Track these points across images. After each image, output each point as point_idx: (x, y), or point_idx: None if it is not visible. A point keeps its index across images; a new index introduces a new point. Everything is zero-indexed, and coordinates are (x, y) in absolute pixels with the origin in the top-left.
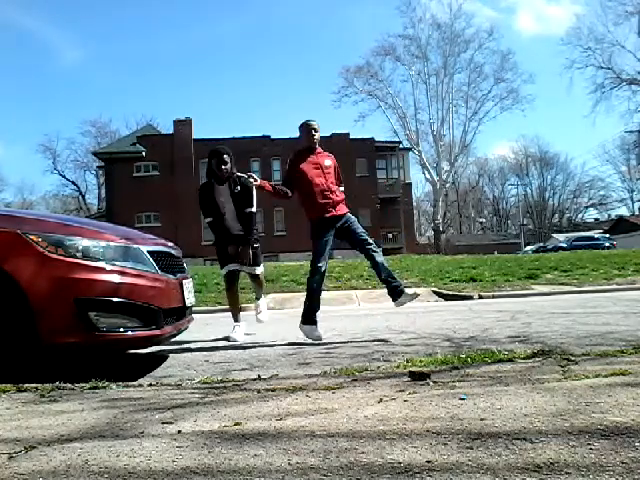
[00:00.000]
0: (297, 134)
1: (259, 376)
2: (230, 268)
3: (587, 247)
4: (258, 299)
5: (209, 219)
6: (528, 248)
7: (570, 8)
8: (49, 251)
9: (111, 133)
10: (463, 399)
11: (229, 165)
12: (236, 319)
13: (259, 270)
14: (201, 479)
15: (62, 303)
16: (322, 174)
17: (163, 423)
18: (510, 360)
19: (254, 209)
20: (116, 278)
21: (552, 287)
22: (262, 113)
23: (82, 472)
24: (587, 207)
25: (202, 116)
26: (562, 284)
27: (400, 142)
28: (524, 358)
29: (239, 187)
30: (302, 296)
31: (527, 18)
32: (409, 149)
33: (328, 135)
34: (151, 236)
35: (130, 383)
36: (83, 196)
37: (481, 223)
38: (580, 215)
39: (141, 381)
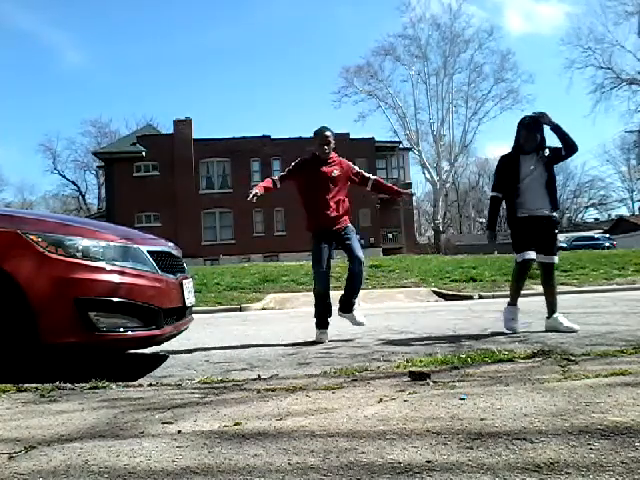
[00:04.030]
0: (297, 134)
1: (259, 376)
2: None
3: (587, 247)
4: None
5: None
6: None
7: (560, 7)
8: (49, 251)
9: (111, 133)
10: (463, 399)
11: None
12: (516, 302)
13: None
14: (201, 479)
15: (62, 303)
16: (326, 187)
17: (163, 423)
18: (510, 360)
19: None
20: (116, 278)
21: None
22: (262, 113)
23: (82, 472)
24: (587, 207)
25: (202, 116)
26: (562, 284)
27: (400, 142)
28: (524, 358)
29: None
30: (302, 296)
31: (515, 17)
32: (409, 149)
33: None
34: (151, 236)
35: (130, 383)
36: (83, 196)
37: (481, 223)
38: (580, 215)
39: (141, 381)
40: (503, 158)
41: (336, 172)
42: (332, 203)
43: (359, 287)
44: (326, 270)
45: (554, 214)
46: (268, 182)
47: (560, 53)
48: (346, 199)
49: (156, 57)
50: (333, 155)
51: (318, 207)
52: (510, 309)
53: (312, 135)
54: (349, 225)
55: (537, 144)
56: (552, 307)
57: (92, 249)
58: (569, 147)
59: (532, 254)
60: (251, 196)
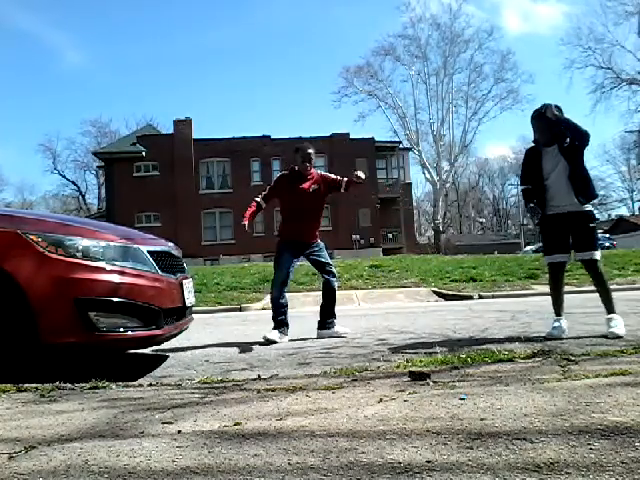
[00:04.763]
0: (297, 134)
1: (259, 376)
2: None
3: None
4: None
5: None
6: (528, 248)
7: (558, 7)
8: (49, 251)
9: (111, 133)
10: (463, 399)
11: None
12: (560, 310)
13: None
14: (201, 479)
15: (62, 303)
16: (305, 202)
17: (163, 423)
18: (510, 360)
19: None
20: (116, 278)
21: None
22: (262, 113)
23: (82, 472)
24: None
25: (202, 116)
26: None
27: (400, 142)
28: (524, 358)
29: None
30: (302, 296)
31: (513, 17)
32: (409, 149)
33: (328, 135)
34: (151, 236)
35: (130, 383)
36: (83, 196)
37: (481, 223)
38: None
39: (141, 381)
40: (527, 151)
41: (314, 187)
42: (308, 218)
43: (335, 299)
44: (285, 279)
45: (585, 208)
46: (253, 206)
47: (560, 53)
48: (321, 216)
49: (156, 57)
50: (312, 171)
51: (295, 220)
52: (554, 319)
53: (294, 151)
54: (319, 241)
55: (552, 137)
56: (606, 307)
57: (92, 249)
58: (580, 136)
59: (559, 256)
60: (246, 227)
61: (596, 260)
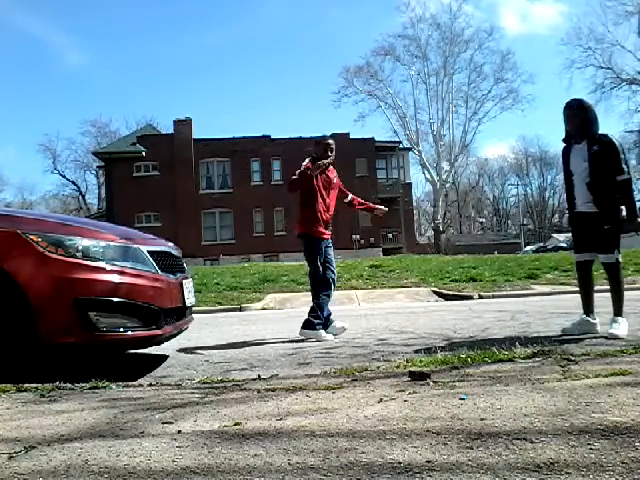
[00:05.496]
0: (297, 134)
1: (259, 376)
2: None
3: None
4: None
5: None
6: (528, 248)
7: (555, 7)
8: (49, 251)
9: (111, 133)
10: (463, 399)
11: None
12: (588, 309)
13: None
14: (201, 479)
15: (62, 303)
16: (331, 193)
17: (163, 423)
18: (510, 360)
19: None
20: (116, 278)
21: (552, 287)
22: (262, 113)
23: (82, 472)
24: None
25: (202, 116)
26: (562, 284)
27: (400, 142)
28: (524, 358)
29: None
30: (302, 296)
31: (510, 17)
32: (409, 149)
33: (328, 135)
34: (151, 236)
35: (130, 383)
36: (83, 196)
37: (481, 223)
38: None
39: (141, 381)
40: (562, 150)
41: (336, 179)
42: (332, 209)
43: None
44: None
45: (603, 209)
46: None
47: (560, 53)
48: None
49: (156, 57)
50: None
51: (327, 211)
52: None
53: (315, 141)
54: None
55: (576, 133)
56: (614, 308)
57: (92, 249)
58: (615, 164)
59: (583, 255)
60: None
61: (610, 263)
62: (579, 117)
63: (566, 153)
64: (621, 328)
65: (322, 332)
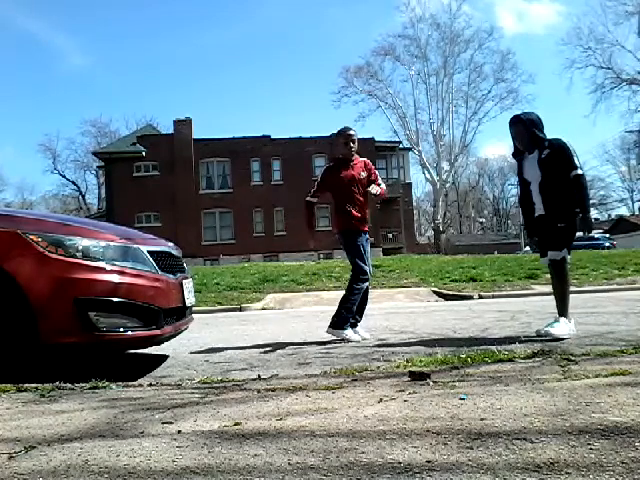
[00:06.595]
0: (297, 134)
1: (259, 376)
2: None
3: (587, 247)
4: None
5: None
6: (528, 248)
7: (552, 7)
8: (49, 251)
9: (111, 133)
10: (463, 399)
11: None
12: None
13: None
14: (201, 479)
15: (62, 303)
16: (356, 190)
17: (163, 423)
18: (510, 360)
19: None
20: (116, 278)
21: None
22: (262, 113)
23: (82, 472)
24: None
25: (202, 116)
26: None
27: (400, 142)
28: (524, 358)
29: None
30: (302, 296)
31: (508, 17)
32: (409, 149)
33: (328, 135)
34: (151, 236)
35: (130, 383)
36: (83, 196)
37: (481, 223)
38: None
39: (141, 381)
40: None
41: (363, 173)
42: (363, 204)
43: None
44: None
45: (558, 208)
46: (308, 209)
47: (558, 53)
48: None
49: (156, 57)
50: (356, 157)
51: (359, 206)
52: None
53: (335, 136)
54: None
55: (526, 147)
56: (557, 309)
57: (92, 249)
58: (568, 166)
59: (546, 259)
60: (314, 229)
61: (555, 260)
62: (524, 132)
63: (520, 163)
64: (560, 328)
65: (350, 331)
